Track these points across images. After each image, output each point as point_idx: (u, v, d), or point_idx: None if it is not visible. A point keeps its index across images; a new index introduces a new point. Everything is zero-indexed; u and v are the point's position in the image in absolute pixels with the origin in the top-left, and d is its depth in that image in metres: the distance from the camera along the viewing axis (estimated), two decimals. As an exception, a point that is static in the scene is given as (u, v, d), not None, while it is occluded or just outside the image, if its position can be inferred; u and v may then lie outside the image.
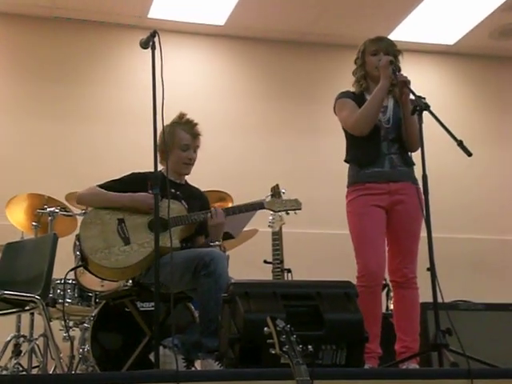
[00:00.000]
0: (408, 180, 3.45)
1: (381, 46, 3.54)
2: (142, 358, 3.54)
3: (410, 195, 3.41)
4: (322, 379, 2.42)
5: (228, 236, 4.04)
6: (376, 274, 3.35)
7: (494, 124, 6.94)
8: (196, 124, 3.69)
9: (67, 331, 4.33)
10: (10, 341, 4.44)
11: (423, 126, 3.21)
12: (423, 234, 3.26)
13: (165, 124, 3.03)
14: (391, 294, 4.43)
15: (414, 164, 3.48)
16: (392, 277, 3.47)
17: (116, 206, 3.50)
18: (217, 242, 3.58)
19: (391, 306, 4.49)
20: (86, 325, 4.23)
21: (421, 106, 3.19)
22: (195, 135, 3.68)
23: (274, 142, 6.37)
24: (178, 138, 3.62)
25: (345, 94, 3.57)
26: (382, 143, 3.47)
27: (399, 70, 3.40)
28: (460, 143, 3.09)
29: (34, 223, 4.61)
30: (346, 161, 3.57)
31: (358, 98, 3.53)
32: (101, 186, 3.57)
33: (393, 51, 3.53)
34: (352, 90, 3.61)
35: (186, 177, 3.77)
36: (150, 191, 3.44)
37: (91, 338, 3.87)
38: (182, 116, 3.70)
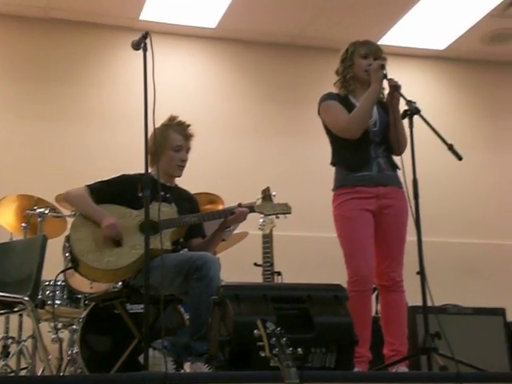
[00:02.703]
0: (395, 184, 3.46)
1: (371, 50, 3.56)
2: (131, 360, 3.54)
3: (397, 199, 3.43)
4: (312, 382, 2.43)
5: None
6: (367, 278, 3.36)
7: (485, 129, 6.96)
8: (188, 125, 3.70)
9: (56, 333, 4.31)
10: (-2, 342, 4.43)
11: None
12: (413, 237, 3.27)
13: (156, 126, 3.02)
14: (380, 297, 4.44)
15: (398, 168, 3.49)
16: (379, 281, 3.47)
17: (88, 218, 3.49)
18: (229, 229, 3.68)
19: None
20: (74, 327, 4.22)
21: (412, 110, 3.21)
22: (188, 136, 3.68)
23: (264, 145, 6.38)
24: (171, 140, 3.61)
25: (330, 96, 3.56)
26: (370, 146, 3.48)
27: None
28: (450, 147, 3.11)
29: (23, 224, 4.58)
30: (332, 164, 3.57)
31: (343, 101, 3.53)
32: (89, 187, 3.56)
33: (380, 57, 3.56)
34: (335, 91, 3.61)
35: (177, 179, 3.77)
36: (140, 194, 3.45)
37: (80, 339, 3.85)
38: (173, 118, 3.70)
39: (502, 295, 5.28)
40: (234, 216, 3.55)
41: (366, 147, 3.47)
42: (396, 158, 3.54)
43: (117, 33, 6.16)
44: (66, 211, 4.57)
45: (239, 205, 3.58)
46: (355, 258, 3.37)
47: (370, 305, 3.46)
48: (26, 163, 5.75)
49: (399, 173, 3.45)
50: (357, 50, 3.56)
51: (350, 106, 3.49)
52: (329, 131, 3.56)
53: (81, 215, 3.53)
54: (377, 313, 4.62)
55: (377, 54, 3.55)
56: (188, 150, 3.70)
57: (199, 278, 3.24)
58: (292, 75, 6.60)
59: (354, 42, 3.60)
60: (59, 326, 4.48)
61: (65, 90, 6.03)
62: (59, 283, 4.29)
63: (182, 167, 3.67)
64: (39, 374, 4.12)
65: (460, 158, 3.09)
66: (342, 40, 3.66)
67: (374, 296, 4.39)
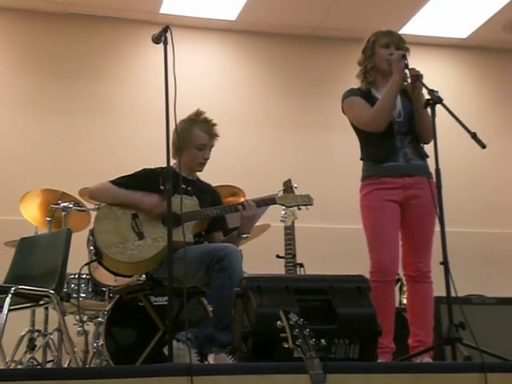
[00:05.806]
0: (422, 174, 3.44)
1: (393, 40, 3.53)
2: (156, 352, 3.57)
3: (424, 189, 3.39)
4: (335, 373, 2.43)
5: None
6: (389, 269, 3.35)
7: (507, 117, 6.90)
8: (214, 124, 3.66)
9: (81, 326, 4.36)
10: (24, 335, 4.48)
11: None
12: (436, 227, 3.25)
13: (180, 120, 3.03)
14: (404, 288, 4.42)
15: (427, 156, 3.47)
16: (406, 271, 3.46)
17: (124, 204, 3.51)
18: (246, 235, 3.59)
19: (404, 301, 4.49)
20: (100, 319, 4.26)
21: (434, 99, 3.18)
22: (212, 135, 3.65)
23: (285, 137, 6.37)
24: (196, 137, 3.59)
25: (352, 93, 3.55)
26: (396, 137, 3.46)
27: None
28: (474, 135, 3.08)
29: (47, 218, 4.63)
30: (361, 159, 3.56)
31: (365, 95, 3.51)
32: (112, 182, 3.58)
33: (403, 47, 3.52)
34: (356, 86, 3.59)
35: (198, 172, 3.77)
36: (162, 187, 3.46)
37: (105, 332, 3.89)
38: (199, 113, 3.67)
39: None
40: (244, 218, 3.51)
41: (392, 138, 3.45)
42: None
43: (137, 27, 6.18)
44: (89, 205, 4.60)
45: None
46: (377, 248, 3.36)
47: (393, 296, 3.45)
48: (49, 158, 5.81)
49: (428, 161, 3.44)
50: (378, 40, 3.53)
51: (372, 100, 3.47)
52: (355, 127, 3.56)
53: (106, 207, 3.55)
54: (400, 303, 4.61)
55: (399, 45, 3.51)
56: (211, 147, 3.68)
57: (221, 268, 3.25)
58: (313, 67, 6.58)
59: (375, 32, 3.57)
60: (84, 318, 4.53)
61: (85, 85, 6.07)
62: (84, 276, 4.32)
63: (203, 164, 3.67)
64: (65, 366, 4.17)
65: (484, 147, 3.06)
66: (363, 30, 3.64)
67: (397, 287, 4.42)
